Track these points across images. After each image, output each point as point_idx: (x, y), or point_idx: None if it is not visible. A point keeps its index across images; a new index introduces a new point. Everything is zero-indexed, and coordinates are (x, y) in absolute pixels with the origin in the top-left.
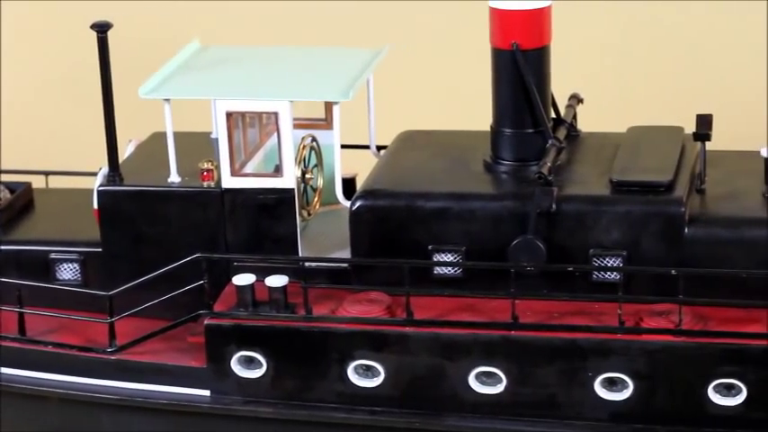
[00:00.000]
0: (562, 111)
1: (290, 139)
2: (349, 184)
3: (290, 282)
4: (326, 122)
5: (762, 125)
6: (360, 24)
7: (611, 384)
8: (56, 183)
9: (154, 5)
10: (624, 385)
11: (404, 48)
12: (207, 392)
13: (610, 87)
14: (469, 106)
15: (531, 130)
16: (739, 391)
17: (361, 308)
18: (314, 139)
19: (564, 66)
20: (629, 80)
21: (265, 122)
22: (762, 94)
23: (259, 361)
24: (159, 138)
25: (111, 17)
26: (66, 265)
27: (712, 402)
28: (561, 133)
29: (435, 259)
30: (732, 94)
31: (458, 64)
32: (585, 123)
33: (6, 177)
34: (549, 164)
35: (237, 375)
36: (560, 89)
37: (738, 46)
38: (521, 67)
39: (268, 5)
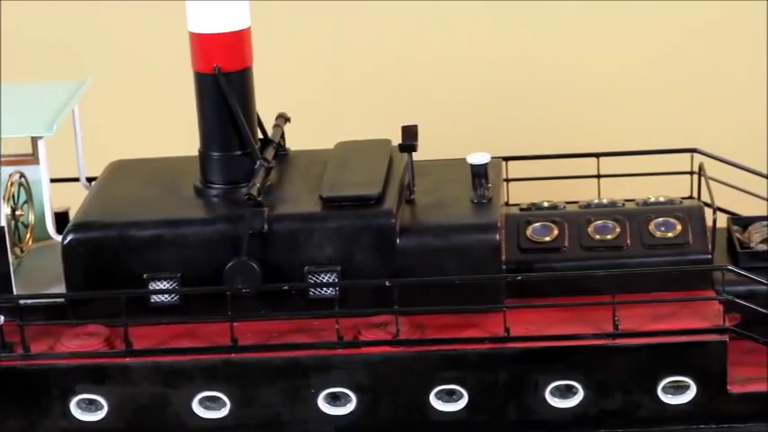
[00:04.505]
0: (269, 131)
1: None
2: (62, 219)
3: (5, 320)
4: (34, 157)
5: (468, 132)
6: (61, 56)
7: (334, 399)
8: None
9: None
10: (347, 399)
11: (108, 77)
12: None
13: (316, 104)
14: (179, 132)
15: (238, 152)
16: (460, 396)
17: (80, 342)
18: (22, 175)
19: (269, 86)
20: (336, 96)
21: None
22: (468, 101)
23: None
24: None
25: None
26: None
27: (435, 409)
28: (270, 153)
29: (151, 288)
30: (438, 103)
31: (163, 90)
32: (295, 142)
33: None
34: (258, 185)
35: None
36: (267, 109)
37: (442, 55)
38: (224, 90)
39: None
